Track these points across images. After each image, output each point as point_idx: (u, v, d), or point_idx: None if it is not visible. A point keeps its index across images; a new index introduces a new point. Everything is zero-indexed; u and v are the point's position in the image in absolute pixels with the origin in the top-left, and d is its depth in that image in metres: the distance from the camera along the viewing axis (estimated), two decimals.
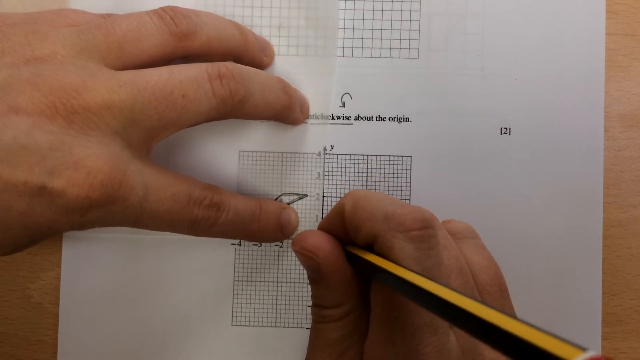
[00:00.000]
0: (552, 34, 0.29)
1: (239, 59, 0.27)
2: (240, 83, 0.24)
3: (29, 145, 0.20)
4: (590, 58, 0.29)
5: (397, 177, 0.29)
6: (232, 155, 0.29)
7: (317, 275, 0.21)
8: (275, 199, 0.29)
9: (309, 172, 0.29)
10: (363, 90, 0.29)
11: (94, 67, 0.22)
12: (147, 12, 0.24)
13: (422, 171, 0.29)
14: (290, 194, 0.29)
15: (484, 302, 0.14)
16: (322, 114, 0.29)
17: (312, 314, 0.22)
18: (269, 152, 0.29)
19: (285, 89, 0.27)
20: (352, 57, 0.29)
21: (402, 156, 0.29)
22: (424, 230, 0.19)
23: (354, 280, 0.21)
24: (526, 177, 0.29)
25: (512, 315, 0.14)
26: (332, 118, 0.29)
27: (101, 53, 0.23)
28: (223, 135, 0.29)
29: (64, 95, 0.21)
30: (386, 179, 0.29)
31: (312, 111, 0.29)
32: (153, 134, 0.23)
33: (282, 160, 0.29)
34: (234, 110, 0.24)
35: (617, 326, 0.29)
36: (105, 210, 0.21)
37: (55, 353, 0.28)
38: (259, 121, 0.29)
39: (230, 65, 0.24)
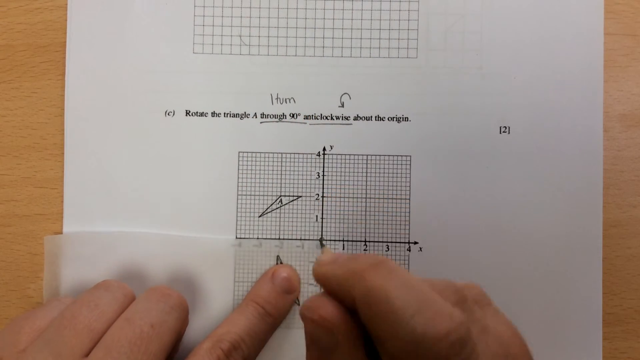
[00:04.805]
0: (550, 32, 0.29)
1: None
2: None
3: None
4: (588, 57, 0.29)
5: (397, 177, 0.29)
6: (232, 155, 0.29)
7: (327, 345, 0.19)
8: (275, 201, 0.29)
9: (308, 173, 0.29)
10: (362, 90, 0.29)
11: None
12: None
13: (421, 171, 0.29)
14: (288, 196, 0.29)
15: None
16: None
17: None
18: (269, 152, 0.29)
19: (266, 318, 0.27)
20: (351, 57, 0.29)
21: (401, 156, 0.29)
22: (462, 355, 0.16)
23: (360, 339, 0.19)
24: (525, 176, 0.29)
25: None
26: (332, 118, 0.29)
27: None
28: (223, 135, 0.29)
29: None
30: (386, 179, 0.29)
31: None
32: None
33: (281, 161, 0.29)
34: None
35: (617, 326, 0.28)
36: None
37: None
38: (259, 122, 0.29)
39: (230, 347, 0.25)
